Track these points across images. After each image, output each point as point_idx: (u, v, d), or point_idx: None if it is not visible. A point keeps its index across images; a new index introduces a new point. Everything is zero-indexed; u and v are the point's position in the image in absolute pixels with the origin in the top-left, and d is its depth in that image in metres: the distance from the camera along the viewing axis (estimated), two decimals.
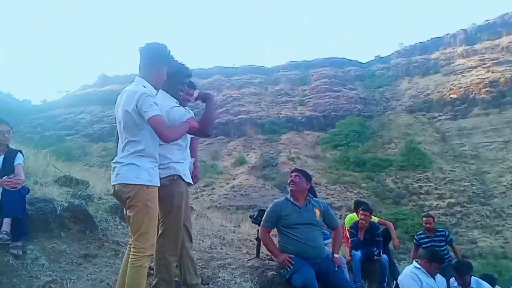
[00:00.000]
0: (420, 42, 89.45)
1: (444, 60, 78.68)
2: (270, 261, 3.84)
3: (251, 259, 3.97)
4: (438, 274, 4.20)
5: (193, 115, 3.28)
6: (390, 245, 6.09)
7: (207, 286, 3.30)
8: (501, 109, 61.07)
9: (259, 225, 3.89)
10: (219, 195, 47.15)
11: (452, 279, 4.48)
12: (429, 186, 50.08)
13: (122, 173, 2.47)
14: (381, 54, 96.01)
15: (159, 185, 2.58)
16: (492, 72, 67.31)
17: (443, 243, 5.83)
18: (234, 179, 53.27)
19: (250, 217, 3.99)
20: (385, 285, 5.29)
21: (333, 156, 60.35)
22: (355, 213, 6.10)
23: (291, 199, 3.68)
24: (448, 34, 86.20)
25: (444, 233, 5.97)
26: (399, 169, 54.12)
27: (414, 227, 33.92)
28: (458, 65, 74.74)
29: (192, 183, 3.14)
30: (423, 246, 5.76)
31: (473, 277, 4.32)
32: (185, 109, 3.25)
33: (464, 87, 67.41)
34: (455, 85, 69.13)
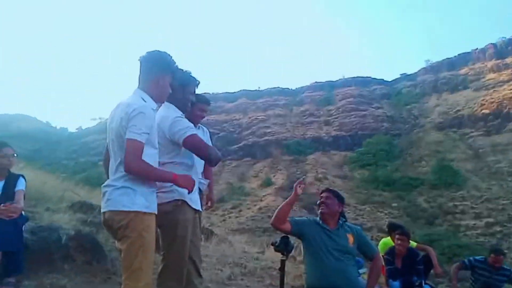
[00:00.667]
0: (447, 58, 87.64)
1: (473, 76, 76.51)
2: None
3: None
4: None
5: (208, 136, 3.25)
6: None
7: None
8: None
9: (282, 254, 3.52)
10: (246, 217, 47.09)
11: None
12: (465, 205, 47.93)
13: (114, 198, 2.10)
14: (407, 71, 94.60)
15: (156, 212, 2.21)
16: None
17: (503, 283, 5.24)
18: (261, 200, 53.14)
19: (272, 244, 3.57)
20: None
21: (362, 175, 59.20)
22: (389, 237, 5.59)
23: (320, 222, 3.28)
24: (477, 49, 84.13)
25: (509, 274, 5.23)
26: (431, 187, 52.25)
27: (450, 247, 32.43)
28: (488, 79, 72.45)
29: (201, 209, 2.79)
30: (475, 275, 5.24)
31: None
32: (199, 127, 3.11)
33: (497, 102, 65.07)
34: (486, 100, 66.87)
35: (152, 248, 2.11)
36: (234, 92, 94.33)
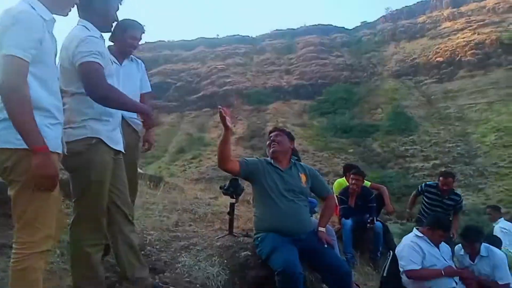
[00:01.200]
0: (406, 6, 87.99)
1: (430, 24, 77.80)
2: (246, 238, 3.30)
3: (222, 236, 3.39)
4: (443, 242, 3.72)
5: (143, 70, 3.06)
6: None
7: (161, 275, 2.67)
8: (486, 70, 61.34)
9: (231, 197, 3.47)
10: (206, 167, 47.39)
11: (458, 247, 3.94)
12: (415, 149, 50.97)
13: None
14: (368, 19, 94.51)
15: (59, 151, 1.81)
16: (478, 34, 67.00)
17: (451, 208, 5.16)
18: None
19: (221, 188, 3.44)
20: (379, 255, 4.83)
21: (321, 123, 60.64)
22: (344, 178, 5.60)
23: (272, 162, 3.05)
24: None
25: (458, 199, 5.19)
26: (386, 133, 54.77)
27: (399, 188, 34.81)
28: (444, 28, 74.05)
29: (123, 151, 2.33)
30: (426, 200, 5.24)
31: (483, 244, 3.76)
32: (133, 59, 2.92)
33: (450, 50, 67.22)
34: (441, 48, 68.84)
35: (50, 193, 1.70)
36: (191, 40, 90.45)
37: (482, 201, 37.99)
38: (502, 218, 6.10)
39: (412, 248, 3.51)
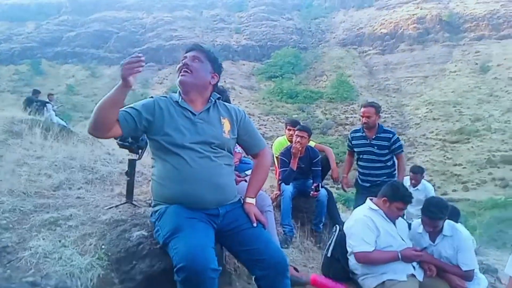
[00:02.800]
0: None
1: None
2: (150, 209, 2.30)
3: (115, 206, 2.44)
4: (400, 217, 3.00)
5: None
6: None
7: None
8: (424, 45, 64.35)
9: (131, 152, 2.57)
10: None
11: (416, 223, 3.21)
12: (354, 117, 52.93)
13: None
14: None
15: None
16: (421, 9, 69.50)
17: (385, 151, 3.95)
18: None
19: (115, 138, 2.33)
20: (321, 227, 4.10)
21: (268, 87, 60.38)
22: (284, 137, 4.69)
23: (180, 100, 2.01)
24: None
25: (390, 135, 3.97)
26: (329, 101, 56.15)
27: (338, 154, 36.05)
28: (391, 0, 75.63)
29: None
30: (358, 156, 4.13)
31: (447, 221, 3.05)
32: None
33: (394, 22, 69.18)
34: (386, 20, 70.56)
35: None
36: None
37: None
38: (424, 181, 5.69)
39: (365, 224, 2.80)
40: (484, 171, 37.99)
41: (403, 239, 2.89)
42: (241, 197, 2.09)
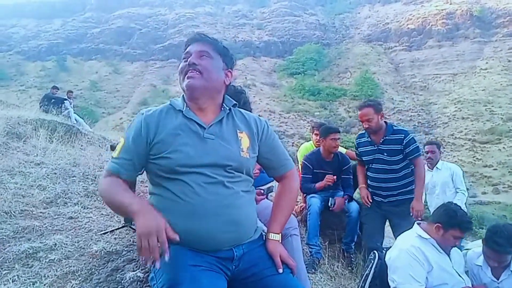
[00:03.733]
0: None
1: None
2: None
3: (111, 231, 2.01)
4: (454, 248, 2.45)
5: None
6: None
7: None
8: (453, 42, 61.97)
9: None
10: None
11: (473, 253, 2.61)
12: None
13: None
14: None
15: None
16: (450, 4, 66.89)
17: (398, 157, 3.20)
18: None
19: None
20: (353, 247, 3.56)
21: (289, 84, 59.67)
22: (311, 142, 4.21)
23: (183, 107, 1.54)
24: None
25: (402, 135, 3.21)
26: (352, 98, 54.89)
27: None
28: None
29: None
30: (366, 163, 3.37)
31: None
32: None
33: (422, 18, 66.91)
34: (413, 15, 68.35)
35: None
36: None
37: None
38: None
39: (413, 256, 2.29)
40: None
41: (459, 275, 2.36)
42: (263, 231, 1.62)
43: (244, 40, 68.95)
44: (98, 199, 2.71)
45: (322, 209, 3.45)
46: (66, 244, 1.83)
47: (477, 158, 40.42)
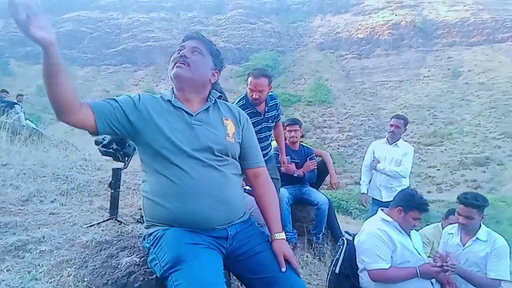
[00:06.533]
0: None
1: (355, 0, 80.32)
2: (139, 226, 2.00)
3: (98, 223, 1.99)
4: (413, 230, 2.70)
5: None
6: None
7: None
8: (399, 51, 65.85)
9: (116, 160, 2.11)
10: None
11: (450, 226, 2.96)
12: (332, 120, 53.49)
13: None
14: None
15: None
16: (396, 15, 71.14)
17: (274, 122, 3.35)
18: None
19: (97, 143, 2.06)
20: (321, 238, 3.73)
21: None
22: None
23: (172, 99, 1.65)
24: None
25: (276, 100, 3.35)
26: (307, 104, 56.53)
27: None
28: (367, 5, 77.07)
29: None
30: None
31: (485, 228, 2.82)
32: None
33: (370, 28, 70.50)
34: (362, 25, 71.83)
35: None
36: None
37: None
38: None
39: (379, 238, 2.52)
40: (457, 173, 39.06)
41: (419, 254, 2.65)
42: (251, 214, 1.76)
43: None
44: (75, 197, 2.71)
45: (291, 202, 3.62)
46: (54, 236, 1.85)
47: (422, 160, 43.06)
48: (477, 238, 2.79)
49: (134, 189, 2.90)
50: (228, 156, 1.66)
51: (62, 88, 1.36)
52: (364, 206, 4.65)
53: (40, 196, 2.52)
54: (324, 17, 79.54)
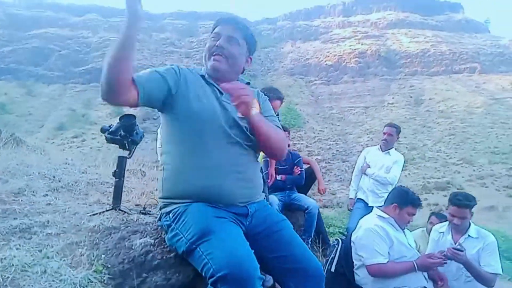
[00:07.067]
0: (305, 8, 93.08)
1: (323, 28, 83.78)
2: (143, 216, 1.94)
3: (100, 212, 1.95)
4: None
5: None
6: None
7: None
8: (365, 78, 68.79)
9: (122, 147, 2.01)
10: (91, 148, 42.68)
11: (438, 225, 3.12)
12: (301, 144, 54.38)
13: None
14: (269, 16, 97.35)
15: None
16: (362, 44, 74.71)
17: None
18: None
19: (103, 131, 1.97)
20: (309, 243, 3.74)
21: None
22: None
23: (206, 76, 1.70)
24: (329, 4, 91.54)
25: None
26: None
27: None
28: (335, 34, 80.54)
29: None
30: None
31: (474, 225, 2.94)
32: None
33: (338, 56, 73.45)
34: (330, 53, 74.75)
35: None
36: (82, 5, 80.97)
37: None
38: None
39: (376, 234, 2.59)
40: (421, 196, 40.11)
41: (411, 247, 2.75)
42: (265, 195, 1.80)
43: None
44: (66, 194, 2.61)
45: (281, 209, 3.66)
46: (58, 221, 1.77)
47: None
48: (468, 235, 2.90)
49: (134, 189, 2.83)
50: (253, 136, 1.66)
51: (130, 64, 1.39)
52: (350, 210, 4.75)
53: (31, 191, 2.40)
54: (295, 43, 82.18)
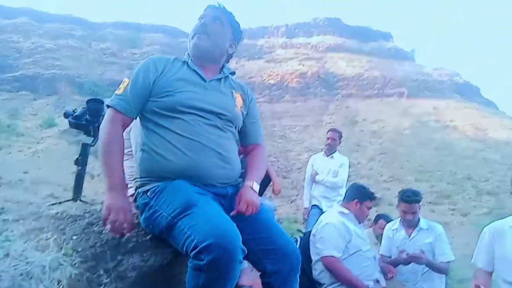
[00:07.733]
0: (250, 27, 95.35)
1: (267, 48, 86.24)
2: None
3: (59, 203, 1.90)
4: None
5: None
6: None
7: None
8: (305, 98, 71.78)
9: (86, 134, 1.84)
10: (17, 160, 39.06)
11: (391, 223, 3.32)
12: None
13: None
14: None
15: None
16: (303, 66, 78.16)
17: None
18: (38, 143, 45.25)
19: (67, 115, 1.85)
20: None
21: None
22: None
23: (189, 61, 1.78)
24: (273, 25, 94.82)
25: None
26: None
27: None
28: (278, 54, 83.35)
29: None
30: None
31: (423, 218, 3.16)
32: None
33: (281, 75, 75.98)
34: (273, 72, 77.11)
35: None
36: (14, 8, 75.25)
37: (293, 211, 43.39)
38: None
39: (336, 229, 2.71)
40: None
41: (368, 244, 2.97)
42: (242, 180, 1.83)
43: (111, 80, 65.76)
44: (11, 191, 2.43)
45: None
46: (14, 209, 1.65)
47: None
48: (420, 228, 3.22)
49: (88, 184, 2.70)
50: (232, 125, 1.77)
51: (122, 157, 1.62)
52: (305, 219, 4.92)
53: None
54: (239, 61, 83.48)
